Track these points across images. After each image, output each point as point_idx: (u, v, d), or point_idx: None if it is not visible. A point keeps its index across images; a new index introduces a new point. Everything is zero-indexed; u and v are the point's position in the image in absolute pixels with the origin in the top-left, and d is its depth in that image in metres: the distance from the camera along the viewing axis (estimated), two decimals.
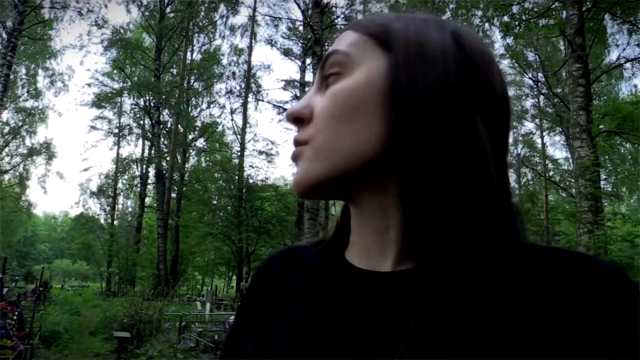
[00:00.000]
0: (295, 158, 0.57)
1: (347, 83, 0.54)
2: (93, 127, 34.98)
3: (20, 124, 32.75)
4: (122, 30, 30.82)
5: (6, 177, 33.95)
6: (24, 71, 31.62)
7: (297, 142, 0.57)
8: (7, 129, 31.60)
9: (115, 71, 32.50)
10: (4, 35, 18.37)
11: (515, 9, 12.64)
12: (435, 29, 0.54)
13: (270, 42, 27.45)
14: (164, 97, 28.92)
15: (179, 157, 31.98)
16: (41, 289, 17.46)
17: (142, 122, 34.50)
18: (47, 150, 34.51)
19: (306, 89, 24.56)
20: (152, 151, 31.84)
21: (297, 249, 0.70)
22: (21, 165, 34.22)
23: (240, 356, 0.64)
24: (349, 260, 0.59)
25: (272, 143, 30.10)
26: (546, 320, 0.45)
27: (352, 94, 0.53)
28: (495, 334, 0.43)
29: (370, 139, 0.52)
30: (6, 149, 32.28)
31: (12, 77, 22.56)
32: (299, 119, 0.57)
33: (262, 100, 31.85)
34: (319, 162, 0.54)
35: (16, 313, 9.36)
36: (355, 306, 0.54)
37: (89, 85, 32.36)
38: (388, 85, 0.52)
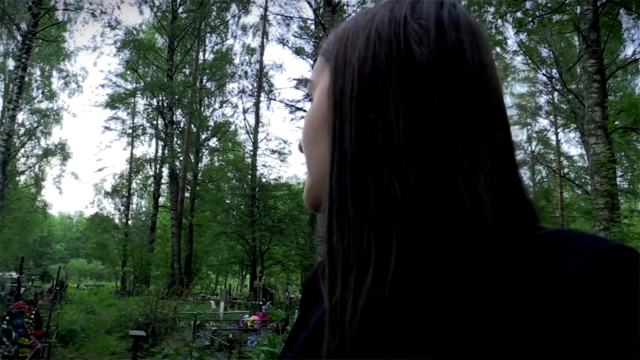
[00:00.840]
0: None
1: (309, 108, 0.58)
2: (107, 128, 35.46)
3: (35, 125, 33.16)
4: (134, 31, 31.15)
5: (22, 178, 34.41)
6: (38, 73, 32.06)
7: None
8: (22, 130, 31.97)
9: (128, 72, 32.82)
10: (19, 38, 18.61)
11: (528, 4, 12.56)
12: (365, 24, 0.51)
13: (282, 41, 27.51)
14: (176, 97, 29.10)
15: (192, 157, 32.15)
16: (57, 288, 17.63)
17: (155, 122, 34.79)
18: (62, 151, 34.92)
19: None
20: (166, 151, 32.04)
21: None
22: (36, 166, 34.70)
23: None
24: None
25: (285, 142, 30.20)
26: (494, 315, 0.40)
27: (311, 117, 0.57)
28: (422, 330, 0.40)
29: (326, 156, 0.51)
30: (22, 150, 32.66)
31: (26, 78, 22.85)
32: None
33: (274, 100, 31.98)
34: (307, 183, 0.58)
35: (33, 312, 9.43)
36: None
37: (102, 86, 32.75)
38: (328, 100, 0.52)
